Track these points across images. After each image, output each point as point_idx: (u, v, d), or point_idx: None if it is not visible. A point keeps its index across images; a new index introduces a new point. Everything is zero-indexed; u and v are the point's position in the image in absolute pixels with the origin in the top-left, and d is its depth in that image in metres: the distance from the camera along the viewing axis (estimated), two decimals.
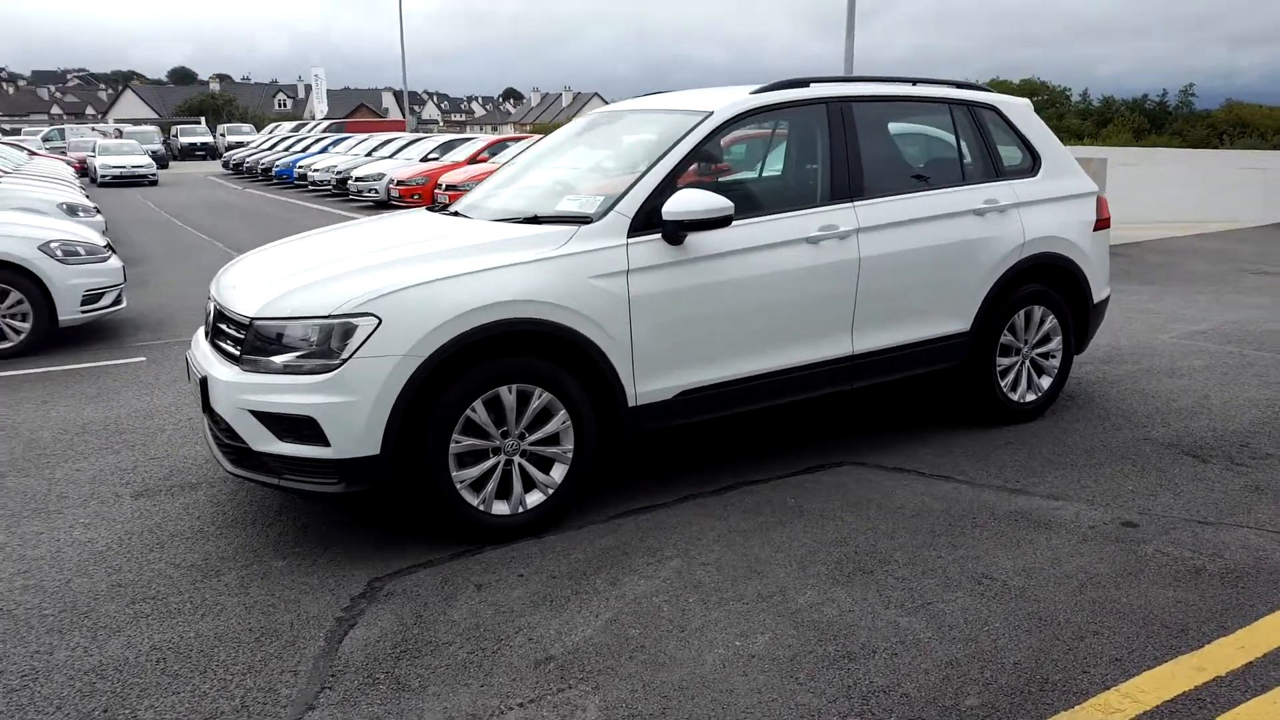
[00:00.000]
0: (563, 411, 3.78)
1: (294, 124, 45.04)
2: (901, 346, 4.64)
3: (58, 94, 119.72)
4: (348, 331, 3.43)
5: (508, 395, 3.66)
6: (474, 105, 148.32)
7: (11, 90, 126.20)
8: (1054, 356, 5.28)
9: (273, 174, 29.66)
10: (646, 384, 3.94)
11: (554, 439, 3.81)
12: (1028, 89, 54.27)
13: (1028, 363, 5.19)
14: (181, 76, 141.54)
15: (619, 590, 3.31)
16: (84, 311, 7.26)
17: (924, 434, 4.97)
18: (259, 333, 3.57)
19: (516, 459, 3.75)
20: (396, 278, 3.58)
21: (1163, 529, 3.76)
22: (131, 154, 31.46)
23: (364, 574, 3.50)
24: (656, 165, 4.07)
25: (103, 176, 29.86)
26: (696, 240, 4.01)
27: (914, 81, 5.02)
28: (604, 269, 3.81)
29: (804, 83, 4.62)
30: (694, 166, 4.99)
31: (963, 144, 5.02)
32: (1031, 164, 5.23)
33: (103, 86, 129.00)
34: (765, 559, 3.53)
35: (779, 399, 4.35)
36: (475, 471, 3.66)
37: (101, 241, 7.81)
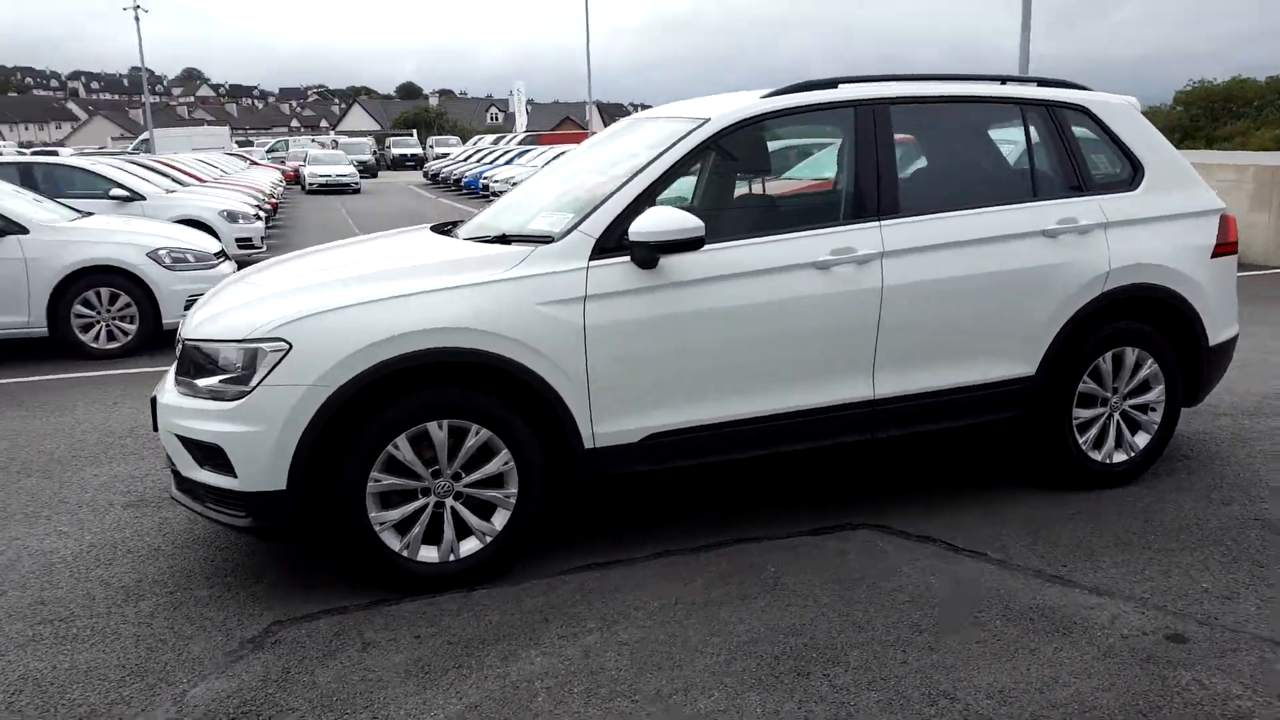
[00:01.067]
0: (505, 451, 3.41)
1: (494, 136, 47.06)
2: (941, 392, 3.94)
3: (298, 108, 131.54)
4: (257, 357, 3.22)
5: (438, 431, 3.33)
6: None
7: (261, 105, 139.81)
8: (1153, 409, 4.37)
9: (462, 184, 31.02)
10: (607, 424, 3.50)
11: (496, 481, 3.44)
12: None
13: (1117, 416, 4.32)
14: (407, 91, 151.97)
15: (507, 668, 2.89)
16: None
17: (980, 496, 4.22)
18: (187, 354, 3.43)
19: (449, 502, 3.41)
20: (319, 301, 3.33)
21: (1220, 650, 2.91)
22: (337, 164, 33.91)
23: (272, 614, 3.27)
24: (632, 180, 3.62)
25: (310, 185, 32.35)
26: (674, 264, 3.53)
27: (979, 79, 4.29)
28: (555, 295, 3.41)
29: (831, 83, 4.01)
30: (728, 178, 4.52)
31: (1035, 152, 4.23)
32: (1131, 176, 4.34)
33: (336, 101, 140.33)
34: (694, 644, 3.00)
35: (777, 447, 3.77)
36: (397, 514, 3.36)
37: (213, 249, 8.17)
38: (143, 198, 11.68)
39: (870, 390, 3.83)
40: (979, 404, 4.02)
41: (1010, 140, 4.41)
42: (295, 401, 3.17)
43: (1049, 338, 4.05)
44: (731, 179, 4.58)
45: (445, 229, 4.36)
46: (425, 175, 40.27)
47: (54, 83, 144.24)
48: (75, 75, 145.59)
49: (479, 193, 28.09)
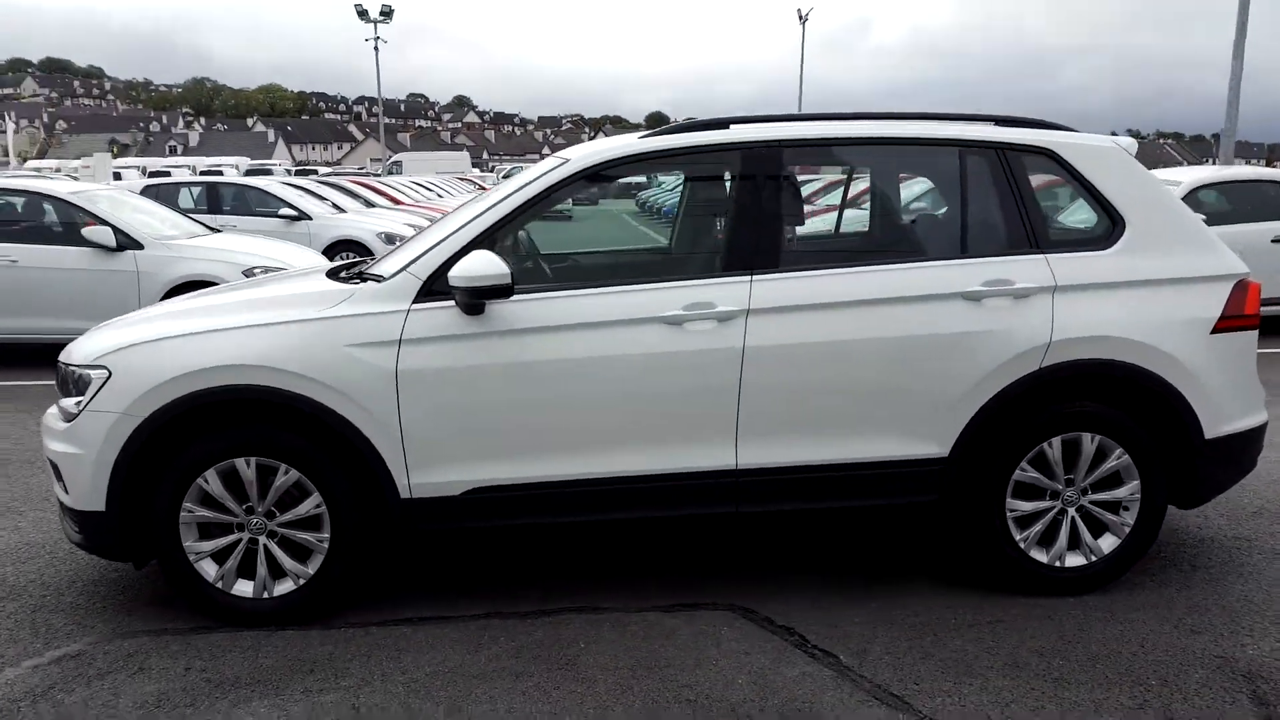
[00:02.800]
0: (316, 494, 3.37)
1: None
2: (823, 467, 3.48)
3: (551, 136, 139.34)
4: (86, 382, 3.38)
5: (245, 468, 3.34)
6: None
7: (518, 133, 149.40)
8: (1126, 509, 3.63)
9: (661, 211, 31.60)
10: (425, 475, 3.37)
11: (311, 523, 3.41)
12: None
13: (1073, 513, 3.62)
14: (655, 120, 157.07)
15: (229, 713, 2.84)
16: None
17: (890, 588, 3.69)
18: (59, 374, 3.66)
19: (262, 540, 3.41)
20: (151, 331, 3.45)
21: None
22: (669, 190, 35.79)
23: (110, 628, 3.41)
24: (471, 222, 3.48)
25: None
26: (505, 311, 3.35)
27: (920, 118, 3.76)
28: (367, 337, 3.33)
29: (723, 123, 3.67)
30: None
31: (971, 201, 3.65)
32: (1106, 231, 3.65)
33: (587, 130, 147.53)
34: None
35: (625, 513, 3.48)
36: (211, 545, 3.40)
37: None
38: (309, 217, 12.76)
39: (734, 460, 3.45)
40: (874, 484, 3.51)
41: (916, 188, 3.84)
42: (109, 427, 3.29)
43: (965, 416, 3.47)
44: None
45: (347, 267, 4.32)
46: (637, 203, 41.38)
47: (341, 107, 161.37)
48: (360, 100, 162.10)
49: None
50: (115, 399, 3.30)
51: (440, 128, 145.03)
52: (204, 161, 42.91)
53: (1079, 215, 3.76)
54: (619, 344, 3.37)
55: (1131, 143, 3.80)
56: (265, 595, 3.43)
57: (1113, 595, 3.63)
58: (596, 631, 3.35)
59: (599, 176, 3.61)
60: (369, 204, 16.73)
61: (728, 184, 3.62)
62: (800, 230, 3.61)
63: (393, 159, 49.14)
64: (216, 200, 12.79)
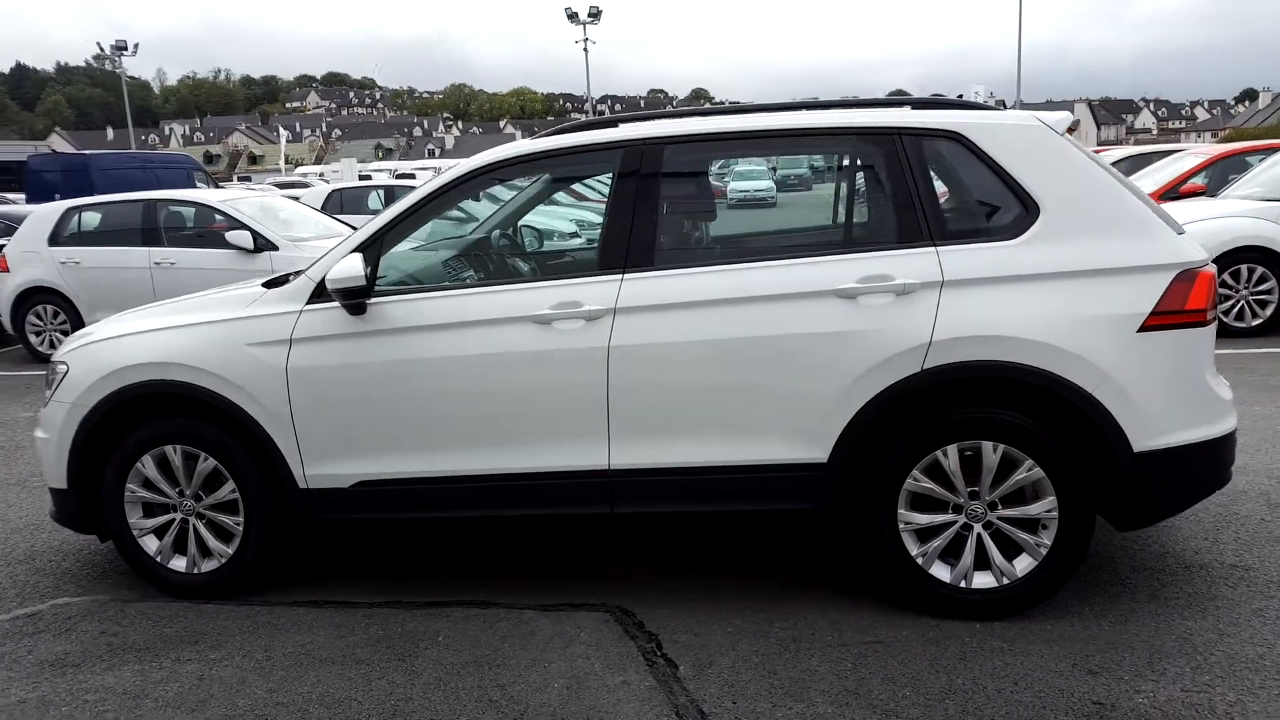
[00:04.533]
0: (230, 482, 3.71)
1: None
2: (697, 469, 3.37)
3: None
4: (55, 376, 3.90)
5: (173, 455, 3.73)
6: (1198, 110, 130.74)
7: None
8: (1045, 527, 3.24)
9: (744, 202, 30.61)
10: (319, 467, 3.62)
11: (229, 507, 3.75)
12: None
13: (979, 529, 3.29)
14: (896, 100, 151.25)
15: (88, 679, 3.21)
16: None
17: (801, 597, 3.52)
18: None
19: (192, 520, 3.80)
20: (108, 330, 3.91)
21: None
22: (757, 180, 35.50)
23: (79, 591, 3.94)
24: (368, 224, 3.66)
25: (731, 198, 34.34)
26: (386, 312, 3.52)
27: (818, 107, 3.51)
28: (264, 336, 3.60)
29: (611, 122, 3.63)
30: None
31: (859, 193, 3.37)
32: (1018, 218, 3.25)
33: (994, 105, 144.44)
34: (227, 694, 3.05)
35: (503, 509, 3.55)
36: (151, 523, 3.83)
37: None
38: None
39: (605, 460, 3.42)
40: (751, 488, 3.36)
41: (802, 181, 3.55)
42: (64, 416, 3.79)
43: (842, 420, 3.24)
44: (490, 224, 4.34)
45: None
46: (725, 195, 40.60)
47: (586, 106, 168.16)
48: (604, 99, 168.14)
49: None
50: (70, 391, 3.79)
51: None
52: (447, 164, 46.30)
53: (997, 202, 3.36)
54: (492, 343, 3.44)
55: (1063, 118, 3.36)
56: (195, 571, 3.81)
57: (1026, 622, 3.27)
58: (464, 626, 3.45)
59: (488, 179, 3.68)
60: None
61: (609, 183, 3.57)
62: (674, 224, 3.48)
63: None
64: (390, 201, 13.90)
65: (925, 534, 3.32)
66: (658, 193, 3.45)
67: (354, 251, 3.50)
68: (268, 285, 3.83)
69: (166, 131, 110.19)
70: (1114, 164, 12.54)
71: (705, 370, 3.31)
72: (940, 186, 3.39)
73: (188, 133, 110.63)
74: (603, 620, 3.45)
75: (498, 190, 4.85)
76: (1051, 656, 3.06)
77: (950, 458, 3.23)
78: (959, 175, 3.44)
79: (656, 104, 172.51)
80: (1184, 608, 3.33)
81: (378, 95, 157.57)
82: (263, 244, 8.77)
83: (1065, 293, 3.15)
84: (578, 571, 3.86)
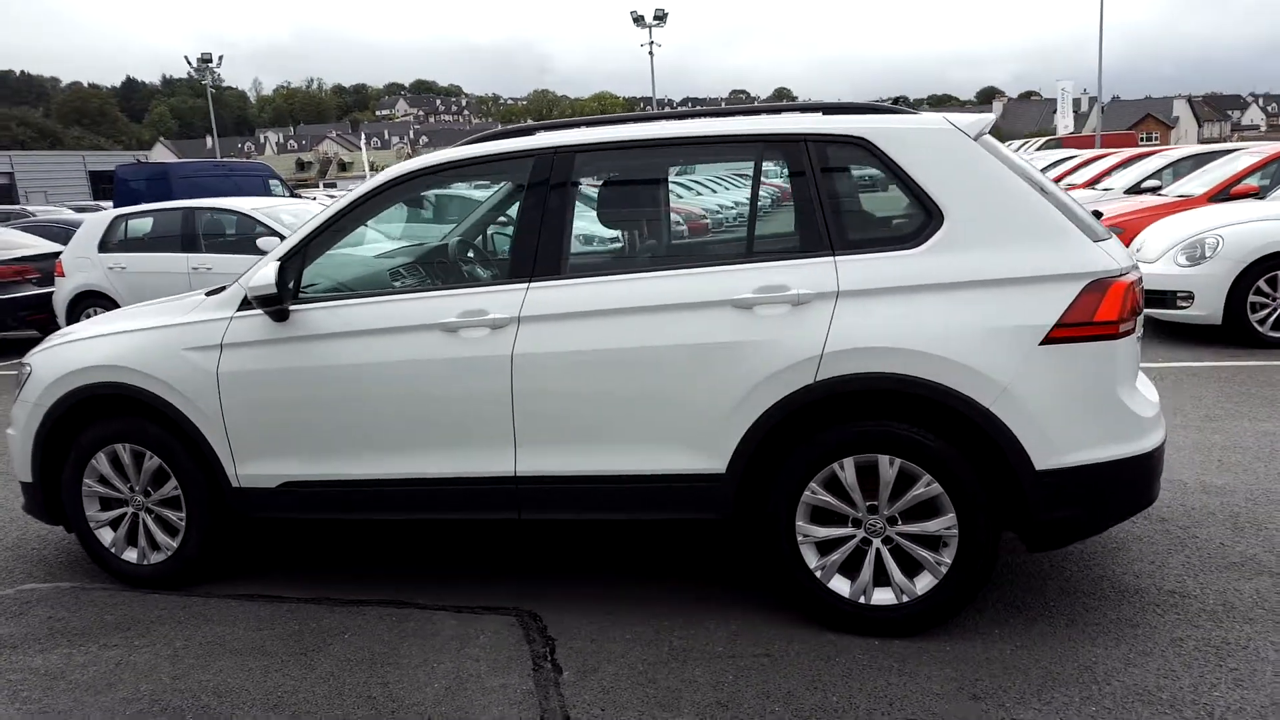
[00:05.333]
0: (173, 479, 3.88)
1: (1021, 142, 43.82)
2: (600, 478, 3.39)
3: None
4: (21, 375, 4.13)
5: (123, 453, 3.92)
6: None
7: None
8: (946, 544, 3.17)
9: None
10: (248, 467, 3.76)
11: (173, 503, 3.93)
12: None
13: (878, 544, 3.22)
14: (987, 96, 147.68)
15: (24, 659, 3.41)
16: None
17: (711, 606, 3.51)
18: None
19: (142, 515, 3.99)
20: (72, 333, 4.13)
21: None
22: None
23: (40, 577, 4.17)
24: (292, 235, 3.79)
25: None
26: (308, 318, 3.64)
27: (731, 114, 3.49)
28: (198, 341, 3.76)
29: (529, 130, 3.67)
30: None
31: (764, 202, 3.33)
32: (920, 226, 3.18)
33: (907, 110, 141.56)
34: (135, 678, 3.20)
35: (423, 512, 3.62)
36: (108, 516, 4.03)
37: None
38: None
39: (512, 466, 3.47)
40: (652, 498, 3.36)
41: (711, 191, 3.51)
42: (28, 414, 4.02)
43: (739, 431, 3.22)
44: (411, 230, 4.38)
45: None
46: None
47: (666, 109, 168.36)
48: (684, 100, 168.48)
49: None
50: (33, 390, 4.02)
51: None
52: None
53: (900, 209, 3.29)
54: (404, 350, 3.52)
55: (975, 120, 3.27)
56: (145, 562, 4.00)
57: (926, 641, 3.19)
58: (374, 624, 3.54)
59: (402, 190, 3.77)
60: None
61: (521, 192, 3.62)
62: (587, 234, 3.50)
63: None
64: (442, 211, 14.20)
65: (825, 547, 3.28)
66: (567, 202, 3.48)
67: (276, 261, 3.62)
68: (210, 293, 3.99)
69: (261, 139, 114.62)
70: (1172, 164, 12.00)
71: (606, 379, 3.33)
72: (847, 194, 3.34)
73: (281, 140, 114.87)
74: (507, 624, 3.49)
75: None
76: (940, 678, 2.98)
77: (847, 471, 3.18)
78: (865, 182, 3.38)
79: (736, 104, 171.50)
80: (1100, 634, 3.20)
81: (464, 102, 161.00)
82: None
83: (965, 303, 3.07)
84: (501, 576, 3.91)
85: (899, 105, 3.65)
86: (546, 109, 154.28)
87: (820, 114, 3.43)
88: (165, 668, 3.29)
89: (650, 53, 39.68)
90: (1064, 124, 52.62)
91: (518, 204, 3.60)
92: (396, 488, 3.61)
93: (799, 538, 3.26)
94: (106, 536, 4.04)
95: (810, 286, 3.16)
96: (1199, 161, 11.67)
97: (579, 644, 3.32)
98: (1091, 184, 13.36)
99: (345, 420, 3.61)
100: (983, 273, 3.08)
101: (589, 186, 3.62)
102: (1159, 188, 11.01)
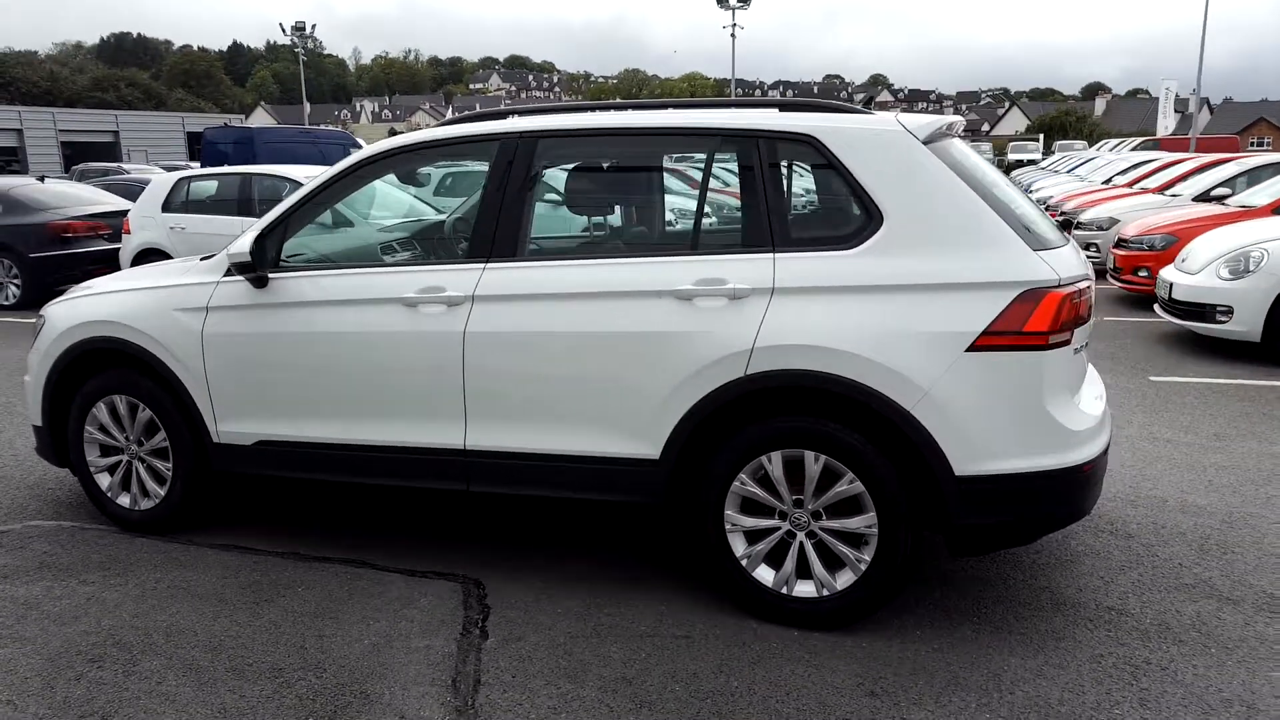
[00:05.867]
0: (162, 431, 4.14)
1: (1116, 142, 42.26)
2: (541, 456, 3.51)
3: (966, 111, 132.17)
4: (38, 326, 4.44)
5: (120, 404, 4.20)
6: None
7: (929, 110, 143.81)
8: (866, 542, 3.20)
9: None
10: (227, 424, 3.98)
11: (163, 454, 4.18)
12: None
13: (801, 537, 3.28)
14: (1092, 91, 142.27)
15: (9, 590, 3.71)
16: None
17: (657, 585, 3.61)
18: None
19: (135, 463, 4.26)
20: (85, 288, 4.41)
21: None
22: None
23: (46, 515, 4.49)
24: (275, 208, 3.97)
25: None
26: (283, 286, 3.84)
27: (688, 106, 3.54)
28: (187, 303, 3.99)
29: (503, 114, 3.78)
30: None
31: (712, 195, 3.38)
32: (860, 227, 3.19)
33: (1006, 104, 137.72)
34: (101, 614, 3.45)
35: (381, 478, 3.79)
36: (105, 461, 4.31)
37: None
38: None
39: (462, 439, 3.61)
40: (589, 479, 3.47)
41: (663, 181, 3.55)
42: (39, 363, 4.32)
43: (673, 419, 3.30)
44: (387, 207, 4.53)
45: None
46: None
47: (757, 92, 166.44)
48: (776, 84, 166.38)
49: None
50: (44, 341, 4.32)
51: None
52: None
53: (843, 209, 3.29)
54: (368, 321, 3.68)
55: (935, 122, 3.26)
56: (136, 508, 4.27)
57: (843, 636, 3.24)
58: (329, 580, 3.73)
59: (377, 168, 3.92)
60: None
61: (487, 174, 3.73)
62: (546, 217, 3.60)
63: None
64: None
65: (751, 537, 3.34)
66: (528, 185, 3.59)
67: (257, 233, 3.82)
68: (203, 259, 4.22)
69: (358, 108, 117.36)
70: (1247, 171, 11.43)
71: (550, 361, 3.43)
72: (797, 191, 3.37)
73: (376, 110, 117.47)
74: (451, 589, 3.65)
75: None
76: (845, 673, 3.03)
77: (774, 464, 3.23)
78: (811, 181, 3.40)
79: (830, 90, 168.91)
80: (1020, 644, 3.20)
81: (555, 79, 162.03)
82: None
83: (895, 306, 3.08)
84: (460, 545, 4.07)
85: (854, 104, 3.65)
86: (636, 88, 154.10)
87: (777, 110, 3.45)
88: (129, 606, 3.54)
89: (732, 35, 39.35)
90: (1165, 124, 50.52)
91: (484, 184, 3.71)
92: (357, 453, 3.79)
93: (727, 526, 3.33)
94: (104, 481, 4.33)
95: (747, 282, 3.21)
96: (1252, 177, 11.16)
97: (512, 613, 3.45)
98: (1164, 189, 12.84)
99: (314, 385, 3.79)
100: (915, 277, 3.08)
101: (553, 172, 3.72)
102: (1227, 196, 10.57)
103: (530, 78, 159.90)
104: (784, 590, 3.30)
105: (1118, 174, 17.00)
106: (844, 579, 3.25)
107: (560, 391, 3.44)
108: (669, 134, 3.53)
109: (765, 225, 3.27)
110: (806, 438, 3.18)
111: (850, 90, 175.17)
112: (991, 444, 3.03)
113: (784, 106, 3.48)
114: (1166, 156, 16.90)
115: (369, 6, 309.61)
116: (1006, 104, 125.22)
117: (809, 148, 3.29)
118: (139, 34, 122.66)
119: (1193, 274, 7.59)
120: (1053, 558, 3.87)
